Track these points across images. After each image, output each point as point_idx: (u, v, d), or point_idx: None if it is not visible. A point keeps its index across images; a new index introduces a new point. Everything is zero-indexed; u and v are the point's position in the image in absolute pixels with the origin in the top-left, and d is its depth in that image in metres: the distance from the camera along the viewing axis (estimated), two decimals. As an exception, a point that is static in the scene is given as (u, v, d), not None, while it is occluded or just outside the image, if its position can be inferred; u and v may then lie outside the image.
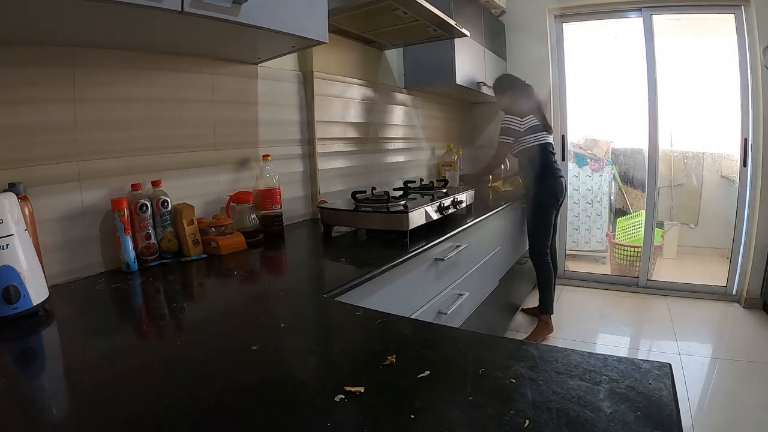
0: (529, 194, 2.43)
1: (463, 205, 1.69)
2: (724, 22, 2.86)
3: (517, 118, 2.36)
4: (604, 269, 3.54)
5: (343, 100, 1.91)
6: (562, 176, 2.44)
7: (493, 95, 2.56)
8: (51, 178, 0.98)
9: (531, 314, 2.72)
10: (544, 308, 2.46)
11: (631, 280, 3.19)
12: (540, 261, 2.45)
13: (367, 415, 0.47)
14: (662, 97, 2.99)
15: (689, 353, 2.22)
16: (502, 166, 2.69)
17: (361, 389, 0.51)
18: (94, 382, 0.57)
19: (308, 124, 1.74)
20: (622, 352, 2.29)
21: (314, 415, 0.48)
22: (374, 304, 0.98)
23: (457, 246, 1.51)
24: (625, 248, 3.34)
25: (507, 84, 2.48)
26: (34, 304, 0.78)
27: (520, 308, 2.76)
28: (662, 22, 3.05)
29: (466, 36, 2.00)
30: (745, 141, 2.79)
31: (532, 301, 2.74)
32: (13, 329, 0.74)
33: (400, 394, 0.51)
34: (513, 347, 0.62)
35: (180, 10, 0.84)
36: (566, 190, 2.58)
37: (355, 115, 1.99)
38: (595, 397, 0.48)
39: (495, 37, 2.94)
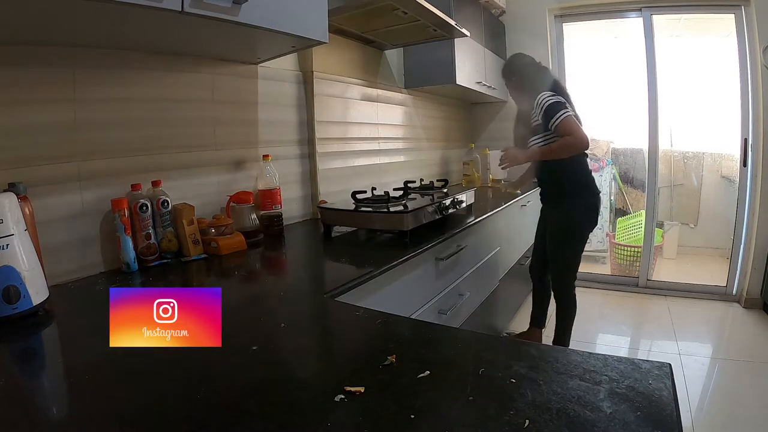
0: (560, 214, 1.90)
1: (464, 205, 1.69)
2: (724, 22, 2.86)
3: (560, 96, 1.78)
4: (604, 269, 3.54)
5: (343, 100, 1.91)
6: (600, 191, 1.94)
7: (505, 81, 2.07)
8: (51, 178, 0.98)
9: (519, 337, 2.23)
10: (562, 341, 2.00)
11: (631, 280, 3.19)
12: (568, 294, 1.96)
13: (367, 415, 0.47)
14: (662, 97, 2.99)
15: (689, 353, 2.22)
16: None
17: (361, 389, 0.51)
18: (94, 382, 0.57)
19: (308, 124, 1.74)
20: (622, 352, 2.29)
21: (314, 415, 0.48)
22: (374, 304, 0.98)
23: (458, 246, 1.51)
24: (625, 248, 3.34)
25: (515, 67, 1.98)
26: (34, 304, 0.78)
27: (507, 333, 2.35)
28: (662, 22, 3.05)
29: (466, 36, 1.99)
30: (745, 141, 2.79)
31: (521, 324, 2.43)
32: (13, 329, 0.74)
33: (400, 394, 0.51)
34: (513, 347, 0.62)
35: (180, 10, 0.84)
36: None
37: (355, 115, 1.99)
38: (595, 397, 0.48)
39: (495, 37, 2.94)
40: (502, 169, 2.13)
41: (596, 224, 1.93)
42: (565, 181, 1.87)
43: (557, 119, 1.73)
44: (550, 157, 1.82)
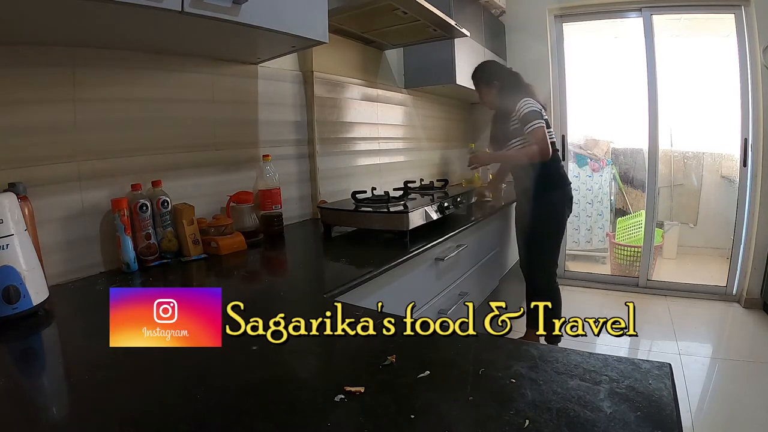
0: (535, 208, 1.99)
1: (464, 205, 1.69)
2: (724, 22, 2.86)
3: (538, 103, 1.94)
4: (604, 269, 3.53)
5: (343, 100, 1.91)
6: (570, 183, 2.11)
7: (475, 87, 2.15)
8: (51, 178, 0.98)
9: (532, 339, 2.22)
10: (557, 337, 2.05)
11: (631, 280, 3.19)
12: (553, 280, 2.10)
13: (367, 415, 0.47)
14: (662, 97, 2.99)
15: (689, 353, 2.22)
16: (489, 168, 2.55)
17: (361, 389, 0.51)
18: (94, 382, 0.57)
19: (308, 124, 1.74)
20: (622, 352, 2.28)
21: (314, 415, 0.48)
22: (374, 304, 0.98)
23: (457, 246, 1.51)
24: (625, 248, 3.34)
25: (495, 72, 2.08)
26: (34, 304, 0.78)
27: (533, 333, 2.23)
28: (662, 22, 3.05)
29: (466, 36, 1.99)
30: (745, 141, 2.79)
31: (521, 325, 2.25)
32: (13, 329, 0.74)
33: (400, 394, 0.51)
34: (513, 347, 0.62)
35: (180, 10, 0.84)
36: None
37: (355, 115, 1.99)
38: (595, 397, 0.48)
39: (495, 37, 2.94)
40: (471, 169, 2.37)
41: (570, 210, 2.09)
42: (548, 175, 1.97)
43: (530, 127, 1.89)
44: (512, 162, 2.01)
